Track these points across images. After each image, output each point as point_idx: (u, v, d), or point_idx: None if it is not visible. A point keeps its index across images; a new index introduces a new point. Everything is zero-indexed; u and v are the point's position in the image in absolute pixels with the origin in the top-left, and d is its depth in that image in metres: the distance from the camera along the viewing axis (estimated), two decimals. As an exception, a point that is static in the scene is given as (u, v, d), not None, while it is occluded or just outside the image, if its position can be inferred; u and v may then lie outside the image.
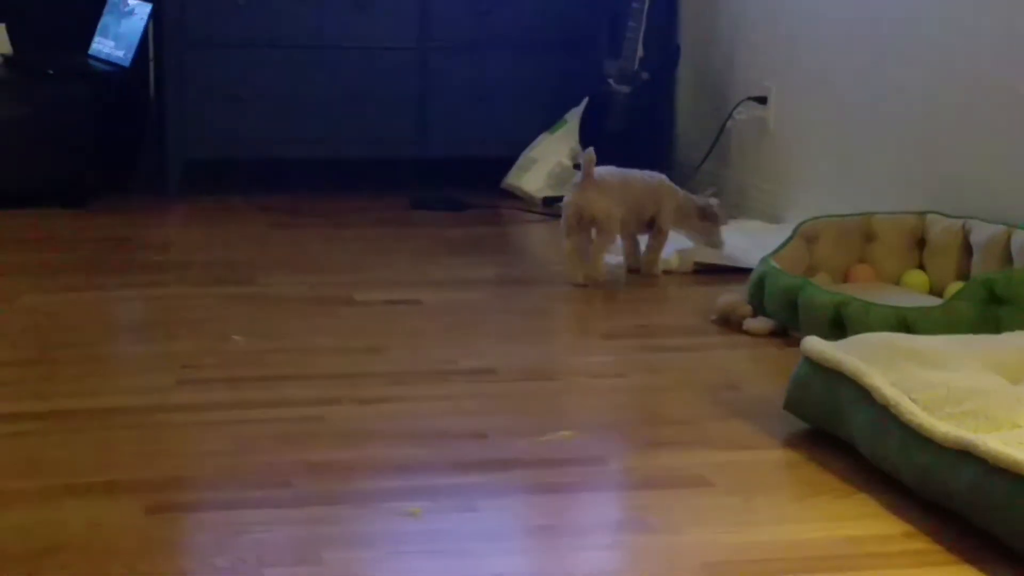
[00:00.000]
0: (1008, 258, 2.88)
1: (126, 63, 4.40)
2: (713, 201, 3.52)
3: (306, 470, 2.10)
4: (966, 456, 1.87)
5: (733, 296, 3.06)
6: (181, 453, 2.19)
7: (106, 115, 4.27)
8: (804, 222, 3.19)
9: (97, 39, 4.59)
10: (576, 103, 4.65)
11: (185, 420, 2.34)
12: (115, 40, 4.51)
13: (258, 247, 3.72)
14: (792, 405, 2.32)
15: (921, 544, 1.86)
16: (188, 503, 2.00)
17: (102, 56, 4.52)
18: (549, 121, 4.70)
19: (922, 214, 3.17)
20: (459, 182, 4.70)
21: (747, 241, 3.65)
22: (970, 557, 1.81)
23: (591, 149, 3.43)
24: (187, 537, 1.90)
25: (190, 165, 4.41)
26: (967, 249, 3.02)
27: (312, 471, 2.10)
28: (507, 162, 4.67)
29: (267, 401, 2.43)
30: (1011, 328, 2.45)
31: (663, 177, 3.55)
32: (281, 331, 2.90)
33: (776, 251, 3.08)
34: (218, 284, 3.28)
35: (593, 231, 3.36)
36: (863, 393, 2.12)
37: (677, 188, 3.54)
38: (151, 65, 4.66)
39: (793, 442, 2.27)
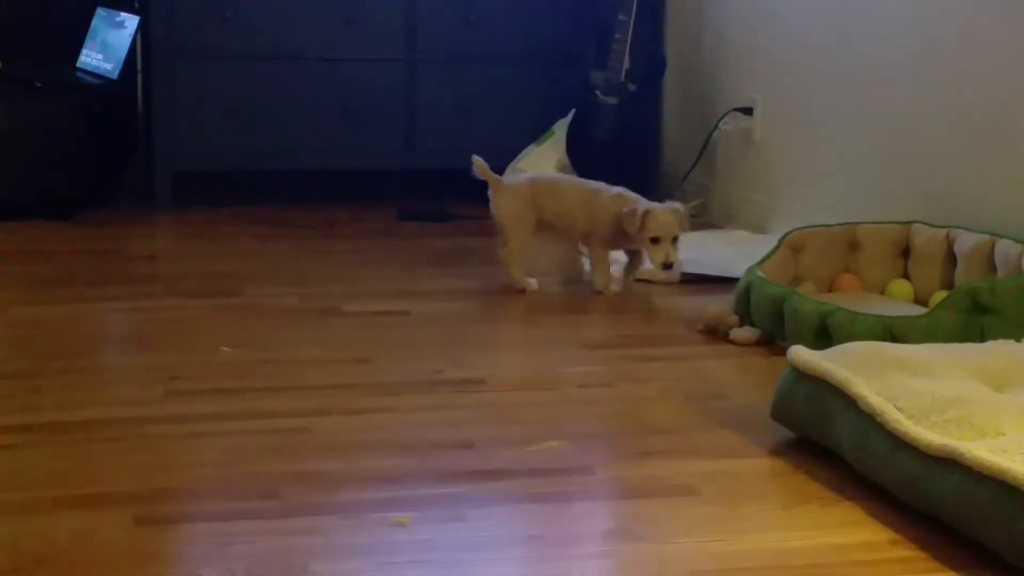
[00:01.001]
0: (992, 267, 2.89)
1: (114, 75, 4.41)
2: (677, 205, 3.28)
3: (294, 481, 2.11)
4: (951, 464, 1.88)
5: (719, 306, 3.07)
6: (169, 464, 2.19)
7: (94, 127, 4.28)
8: (790, 232, 3.21)
9: (85, 51, 4.60)
10: (563, 114, 4.66)
11: (173, 432, 2.34)
12: (103, 52, 4.52)
13: (246, 258, 3.72)
14: (778, 414, 2.33)
15: (906, 551, 1.87)
16: (176, 514, 2.00)
17: (90, 68, 4.53)
18: (536, 132, 4.71)
19: (907, 224, 3.19)
20: (447, 193, 4.71)
21: (733, 251, 3.67)
22: (954, 564, 1.82)
23: (477, 158, 3.46)
24: (175, 548, 1.90)
25: (178, 177, 4.41)
26: (951, 258, 3.03)
27: (300, 482, 2.10)
28: (496, 173, 4.68)
29: (255, 412, 2.44)
30: (995, 336, 2.46)
31: (621, 192, 3.35)
32: (269, 342, 2.91)
33: (762, 261, 3.09)
34: (206, 296, 3.28)
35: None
36: (849, 402, 2.13)
37: (631, 204, 3.26)
38: (139, 77, 4.67)
39: (780, 451, 2.28)
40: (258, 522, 1.95)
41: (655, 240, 3.20)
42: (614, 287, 3.34)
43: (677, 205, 3.28)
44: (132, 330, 3.15)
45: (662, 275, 3.32)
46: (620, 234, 3.29)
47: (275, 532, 1.92)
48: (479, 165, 3.42)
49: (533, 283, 3.40)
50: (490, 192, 3.47)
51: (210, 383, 2.60)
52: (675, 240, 3.22)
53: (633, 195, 3.35)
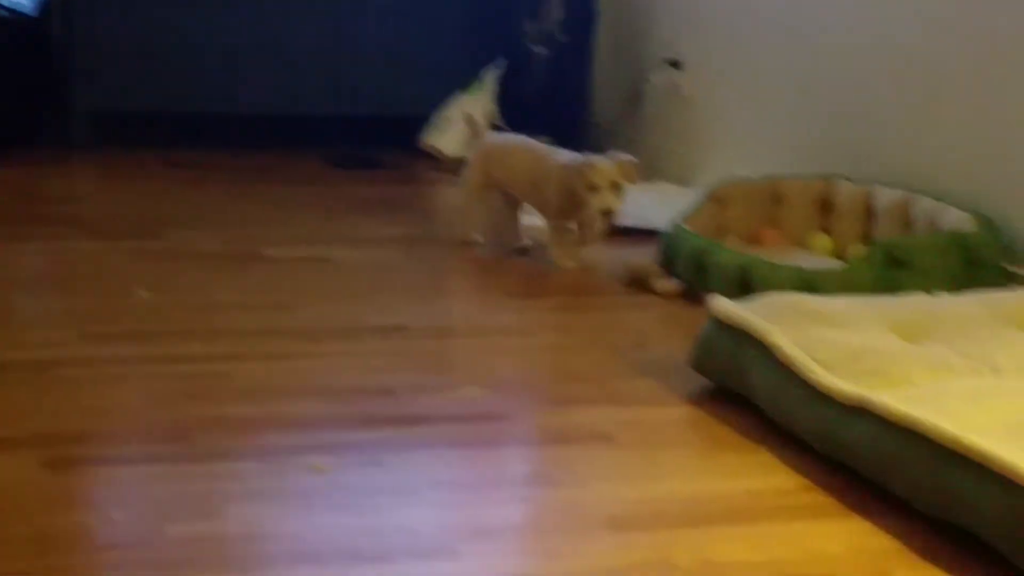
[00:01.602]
0: (908, 223, 2.92)
1: (30, 10, 4.31)
2: (625, 157, 3.10)
3: (210, 425, 2.09)
4: (862, 413, 1.91)
5: (643, 258, 3.08)
6: (82, 408, 2.16)
7: (10, 64, 4.18)
8: (714, 185, 3.22)
9: (3, -13, 4.51)
10: (493, 63, 4.64)
11: (87, 375, 2.31)
12: (22, -11, 4.43)
13: (167, 202, 3.68)
14: (698, 363, 2.34)
15: (817, 497, 1.89)
16: (88, 458, 1.98)
17: (4, 3, 4.44)
18: (466, 81, 4.69)
19: (829, 178, 3.21)
20: (375, 140, 4.68)
21: (658, 204, 3.68)
22: (863, 509, 1.85)
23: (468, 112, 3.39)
24: (87, 492, 1.88)
25: (97, 117, 4.34)
26: (870, 214, 3.06)
27: (216, 426, 2.09)
28: (424, 121, 4.66)
29: (172, 357, 2.41)
30: (909, 290, 2.49)
31: (572, 159, 3.14)
32: (188, 287, 2.88)
33: (686, 213, 3.11)
34: (125, 238, 3.24)
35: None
36: (766, 352, 2.15)
37: (575, 176, 3.06)
38: (57, 12, 4.58)
39: (698, 399, 2.29)
40: (172, 466, 1.93)
41: (593, 188, 3.04)
42: (570, 262, 3.18)
43: (624, 156, 3.11)
44: (48, 272, 3.11)
45: (600, 225, 3.13)
46: (570, 203, 3.10)
47: (190, 476, 1.90)
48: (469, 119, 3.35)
49: (478, 237, 3.35)
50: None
51: (126, 327, 2.57)
52: (617, 189, 3.05)
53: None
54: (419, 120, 4.66)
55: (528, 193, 3.25)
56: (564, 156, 3.18)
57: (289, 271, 3.06)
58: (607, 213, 3.04)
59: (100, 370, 2.33)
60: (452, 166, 4.42)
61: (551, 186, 3.14)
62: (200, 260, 3.10)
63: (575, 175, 3.05)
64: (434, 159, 4.55)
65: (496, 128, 4.51)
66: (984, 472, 1.68)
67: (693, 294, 2.91)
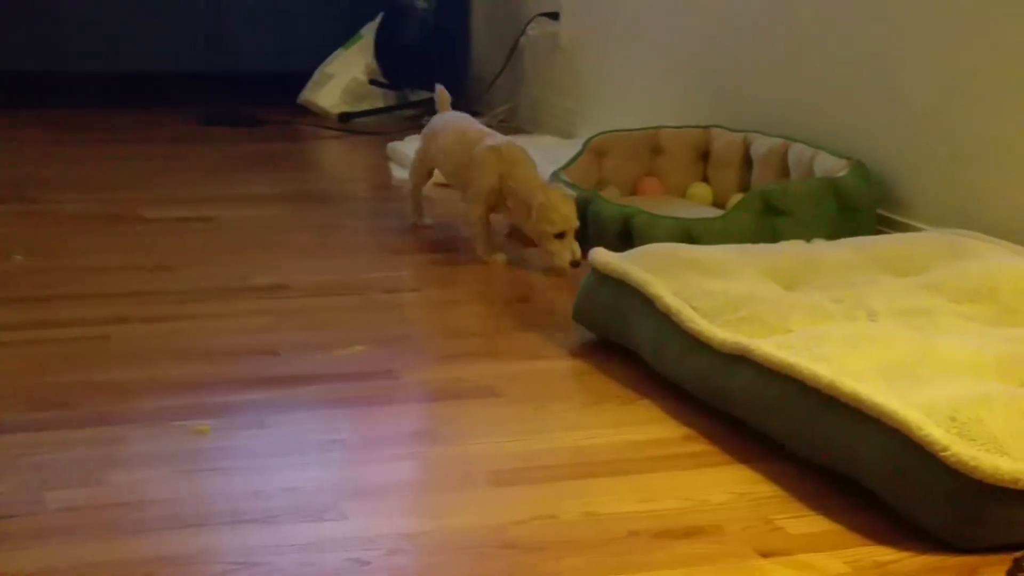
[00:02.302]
0: (785, 170, 2.97)
1: None
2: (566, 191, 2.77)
3: (91, 390, 2.06)
4: (742, 361, 1.93)
5: (525, 210, 3.08)
6: (-41, 376, 2.13)
7: None
8: (593, 136, 3.24)
9: None
10: (371, 18, 4.61)
11: (-37, 342, 2.27)
12: None
13: (42, 164, 3.61)
14: (580, 315, 2.36)
15: (700, 446, 1.92)
16: (-33, 427, 1.95)
17: None
18: (344, 36, 4.65)
19: (706, 128, 3.24)
20: (253, 97, 4.63)
21: (539, 156, 3.68)
22: (745, 456, 1.88)
23: (441, 88, 3.14)
24: (-34, 461, 1.85)
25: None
26: (748, 162, 3.10)
27: (97, 391, 2.06)
28: (303, 77, 4.61)
29: (50, 321, 2.38)
30: (787, 237, 2.53)
31: (501, 145, 2.86)
32: (66, 250, 2.83)
33: (566, 165, 3.12)
34: (-1, 202, 3.18)
35: None
36: (647, 302, 2.17)
37: (520, 168, 2.81)
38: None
39: (581, 352, 2.31)
40: (53, 432, 1.91)
41: (560, 235, 2.73)
42: (499, 256, 2.89)
43: (567, 191, 2.81)
44: (-80, 239, 3.04)
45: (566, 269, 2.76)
46: (498, 197, 2.85)
47: (71, 442, 1.88)
48: (442, 96, 3.12)
49: (428, 221, 3.16)
50: None
51: (2, 292, 2.53)
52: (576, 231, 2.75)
53: (514, 154, 2.85)
54: (299, 77, 4.62)
55: (451, 172, 3.01)
56: (495, 140, 2.89)
57: (169, 232, 3.02)
58: (576, 264, 2.72)
59: (-25, 337, 2.29)
60: (332, 122, 4.40)
61: (478, 170, 2.85)
62: (78, 222, 3.05)
63: (538, 215, 2.72)
64: (315, 115, 4.52)
65: (373, 83, 4.49)
66: (861, 416, 1.72)
67: (575, 246, 2.93)
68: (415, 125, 4.30)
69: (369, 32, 4.58)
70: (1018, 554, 1.43)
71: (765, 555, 1.60)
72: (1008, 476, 1.57)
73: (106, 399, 2.04)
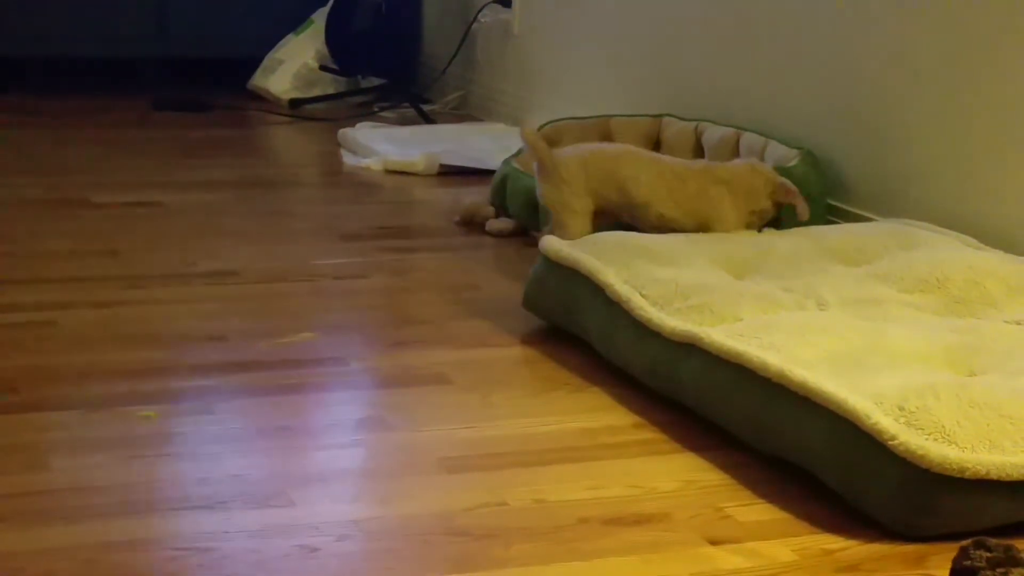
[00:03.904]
0: (737, 159, 2.97)
1: None
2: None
3: (35, 375, 2.04)
4: (692, 349, 1.94)
5: (476, 197, 3.09)
6: (-99, 361, 2.10)
7: None
8: (545, 124, 3.23)
9: None
10: (322, 3, 4.59)
11: (-95, 327, 2.24)
12: None
13: (-13, 148, 3.57)
14: (530, 303, 2.36)
15: (649, 434, 1.92)
16: (-93, 412, 1.92)
17: None
18: (295, 21, 4.62)
19: (657, 116, 3.25)
20: (203, 83, 4.60)
21: (491, 144, 3.69)
22: (693, 445, 1.88)
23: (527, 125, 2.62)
24: (-93, 447, 1.83)
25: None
26: (699, 150, 3.11)
27: (42, 376, 2.04)
28: (253, 63, 4.58)
29: (-5, 306, 2.35)
30: (739, 226, 2.53)
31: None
32: (11, 234, 2.80)
33: (518, 153, 3.11)
34: (-57, 186, 3.14)
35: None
36: (597, 290, 2.17)
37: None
38: None
39: (531, 339, 2.31)
40: (-2, 418, 1.89)
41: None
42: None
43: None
44: None
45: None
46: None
47: (14, 428, 1.86)
48: (529, 136, 2.52)
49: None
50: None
51: (-54, 277, 2.50)
52: None
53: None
54: (249, 62, 4.59)
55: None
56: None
57: (117, 217, 2.99)
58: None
59: (-83, 322, 2.26)
60: (282, 108, 4.37)
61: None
62: (24, 207, 3.02)
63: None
64: (265, 101, 4.49)
65: (323, 69, 4.46)
66: (810, 405, 1.73)
67: (525, 233, 2.93)
68: (366, 112, 4.28)
69: (320, 18, 4.55)
70: (966, 542, 1.44)
71: (714, 543, 1.60)
72: (955, 465, 1.58)
73: (52, 384, 2.02)
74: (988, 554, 1.41)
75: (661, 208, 2.44)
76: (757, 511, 1.69)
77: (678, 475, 1.79)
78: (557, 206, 2.47)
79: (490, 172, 3.23)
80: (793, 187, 2.47)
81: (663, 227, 2.42)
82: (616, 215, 2.48)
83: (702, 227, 2.43)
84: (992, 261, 2.22)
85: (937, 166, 2.59)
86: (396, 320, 2.44)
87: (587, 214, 2.46)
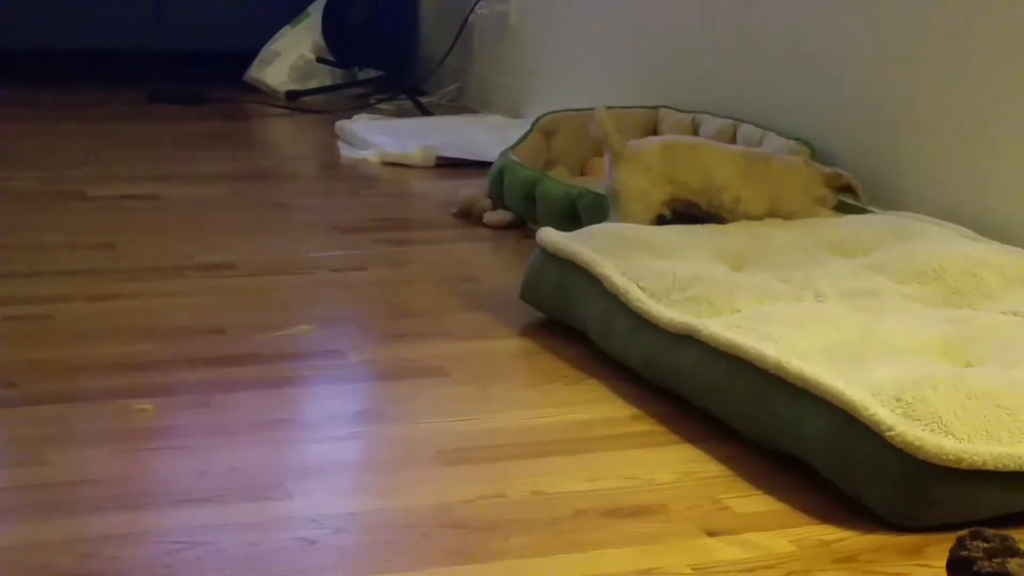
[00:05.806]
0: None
1: None
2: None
3: (32, 369, 2.04)
4: (689, 340, 1.94)
5: (473, 190, 3.08)
6: (-102, 354, 2.10)
7: None
8: (542, 116, 3.23)
9: None
10: (319, -5, 4.58)
11: (-98, 320, 2.24)
12: None
13: (-17, 140, 3.57)
14: (528, 295, 2.36)
15: (646, 426, 1.92)
16: (-95, 405, 1.92)
17: None
18: (291, 13, 4.62)
19: (654, 108, 3.24)
20: (200, 75, 4.59)
21: (488, 135, 3.69)
22: (691, 436, 1.88)
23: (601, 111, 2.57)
24: (-96, 440, 1.83)
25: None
26: (698, 142, 3.10)
27: (39, 370, 2.04)
28: (249, 55, 4.58)
29: (-9, 299, 2.35)
30: (736, 218, 2.53)
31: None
32: (8, 227, 2.80)
33: (515, 145, 3.11)
34: (-61, 179, 3.14)
35: None
36: (595, 282, 2.17)
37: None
38: None
39: (528, 331, 2.31)
40: (-6, 411, 1.89)
41: None
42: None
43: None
44: None
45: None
46: None
47: (11, 421, 1.86)
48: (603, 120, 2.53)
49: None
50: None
51: (-57, 270, 2.50)
52: None
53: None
54: (246, 55, 4.58)
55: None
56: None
57: (114, 210, 2.99)
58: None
59: (-86, 315, 2.26)
60: (279, 100, 4.36)
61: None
62: (21, 200, 3.02)
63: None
64: (262, 93, 4.48)
65: (320, 61, 4.46)
66: (807, 396, 1.73)
67: (523, 225, 2.93)
68: (363, 104, 4.28)
69: (316, 10, 4.54)
70: (962, 533, 1.44)
71: (711, 534, 1.60)
72: (952, 456, 1.58)
73: (48, 378, 2.01)
74: (985, 544, 1.41)
75: (738, 191, 2.51)
76: (755, 502, 1.69)
77: (676, 466, 1.79)
78: (632, 192, 2.49)
79: (487, 164, 3.23)
80: (845, 172, 2.58)
81: (737, 210, 2.50)
82: (688, 203, 2.53)
83: (772, 209, 2.52)
84: (989, 252, 2.22)
85: (935, 157, 2.59)
86: (393, 312, 2.44)
87: (658, 203, 2.51)
